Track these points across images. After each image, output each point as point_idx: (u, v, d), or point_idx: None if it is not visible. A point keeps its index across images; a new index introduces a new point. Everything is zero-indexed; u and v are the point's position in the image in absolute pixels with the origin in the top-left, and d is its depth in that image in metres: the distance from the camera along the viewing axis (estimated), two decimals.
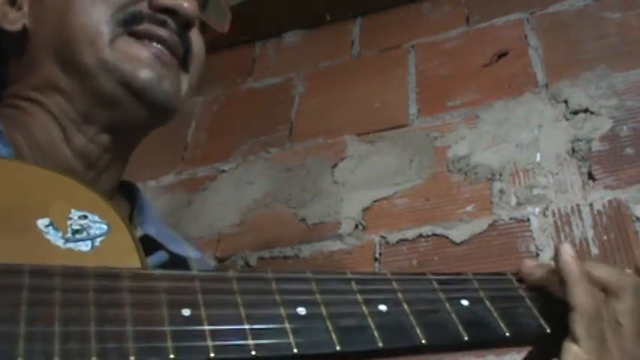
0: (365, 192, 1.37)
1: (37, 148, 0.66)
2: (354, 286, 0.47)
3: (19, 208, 0.48)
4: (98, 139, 0.68)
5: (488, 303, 0.50)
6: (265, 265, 1.35)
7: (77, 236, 0.48)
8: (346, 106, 1.56)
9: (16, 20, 0.69)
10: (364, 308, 0.45)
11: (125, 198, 0.76)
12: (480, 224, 1.22)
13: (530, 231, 1.17)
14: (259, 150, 1.58)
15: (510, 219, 1.20)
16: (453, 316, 0.48)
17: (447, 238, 1.23)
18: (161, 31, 0.68)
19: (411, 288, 0.49)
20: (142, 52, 0.66)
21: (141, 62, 0.66)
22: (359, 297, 0.46)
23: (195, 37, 0.74)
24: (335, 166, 1.46)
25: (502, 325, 0.49)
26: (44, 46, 0.68)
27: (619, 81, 1.29)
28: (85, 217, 0.50)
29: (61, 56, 0.67)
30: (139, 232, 0.70)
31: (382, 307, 0.46)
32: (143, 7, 0.68)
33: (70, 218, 0.50)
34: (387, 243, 1.27)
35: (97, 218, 0.51)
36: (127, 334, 0.37)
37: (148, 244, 0.69)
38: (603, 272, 0.52)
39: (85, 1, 0.66)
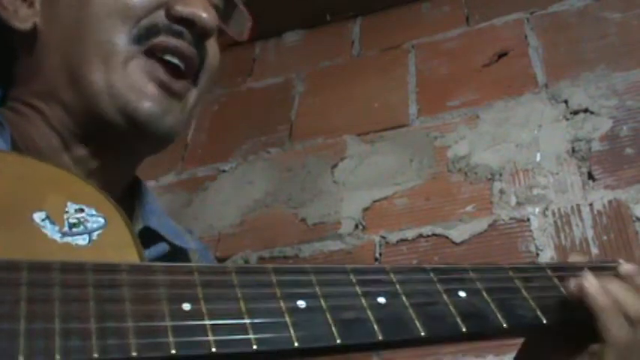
0: (365, 192, 1.37)
1: (37, 153, 0.64)
2: (352, 278, 0.47)
3: (14, 201, 0.48)
4: (99, 154, 0.66)
5: (485, 294, 0.51)
6: None
7: (74, 230, 0.48)
8: (346, 106, 1.56)
9: (26, 18, 0.65)
10: (363, 301, 0.45)
11: (127, 191, 0.75)
12: (480, 224, 1.22)
13: (530, 231, 1.17)
14: (259, 150, 1.58)
15: (510, 219, 1.20)
16: (451, 307, 0.48)
17: (447, 238, 1.23)
18: (177, 42, 0.65)
19: (408, 279, 0.49)
20: (147, 83, 0.64)
21: (145, 94, 0.64)
22: (358, 289, 0.46)
23: (212, 47, 0.71)
24: (335, 166, 1.46)
25: (499, 316, 0.49)
26: (53, 49, 0.65)
27: (619, 81, 1.29)
28: (82, 210, 0.49)
29: (68, 65, 0.64)
30: (139, 225, 0.69)
31: (381, 300, 0.46)
32: (159, 17, 0.65)
33: (67, 212, 0.49)
34: (387, 243, 1.27)
35: (93, 212, 0.50)
36: (128, 329, 0.37)
37: (149, 236, 0.68)
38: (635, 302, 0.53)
39: (101, 12, 0.63)
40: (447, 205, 1.28)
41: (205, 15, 0.66)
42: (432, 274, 0.51)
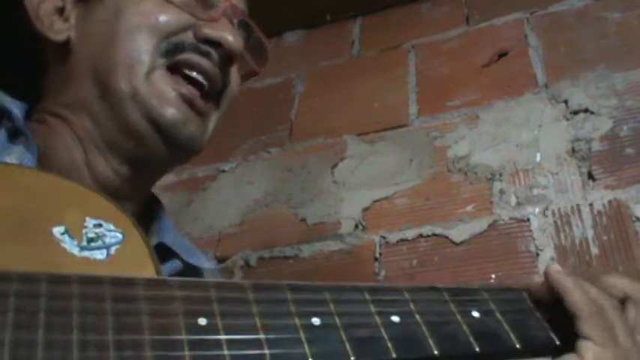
0: (365, 192, 1.37)
1: (58, 166, 0.65)
2: (366, 296, 0.48)
3: (34, 215, 0.48)
4: (119, 169, 0.67)
5: (498, 315, 0.51)
6: (265, 265, 1.35)
7: (92, 244, 0.49)
8: (346, 106, 1.56)
9: (61, 31, 0.68)
10: (377, 319, 0.46)
11: (143, 207, 0.76)
12: (480, 224, 1.22)
13: (530, 231, 1.17)
14: (259, 150, 1.58)
15: (510, 219, 1.20)
16: (465, 327, 0.48)
17: (447, 238, 1.23)
18: (202, 61, 0.68)
19: (422, 299, 0.50)
20: (171, 92, 0.66)
21: (168, 101, 0.65)
22: (372, 308, 0.47)
23: (234, 74, 0.73)
24: (335, 166, 1.46)
25: (512, 336, 0.50)
26: (84, 61, 0.67)
27: (619, 81, 1.29)
28: (100, 225, 0.50)
29: (97, 75, 0.66)
30: (154, 240, 0.70)
31: (395, 318, 0.46)
32: (187, 37, 0.68)
33: (85, 226, 0.50)
34: (387, 243, 1.27)
35: (111, 227, 0.51)
36: (145, 342, 0.37)
37: (163, 253, 0.69)
38: (624, 284, 0.55)
39: (132, 25, 0.66)
40: (447, 205, 1.28)
41: (232, 38, 0.69)
42: (445, 294, 0.51)
